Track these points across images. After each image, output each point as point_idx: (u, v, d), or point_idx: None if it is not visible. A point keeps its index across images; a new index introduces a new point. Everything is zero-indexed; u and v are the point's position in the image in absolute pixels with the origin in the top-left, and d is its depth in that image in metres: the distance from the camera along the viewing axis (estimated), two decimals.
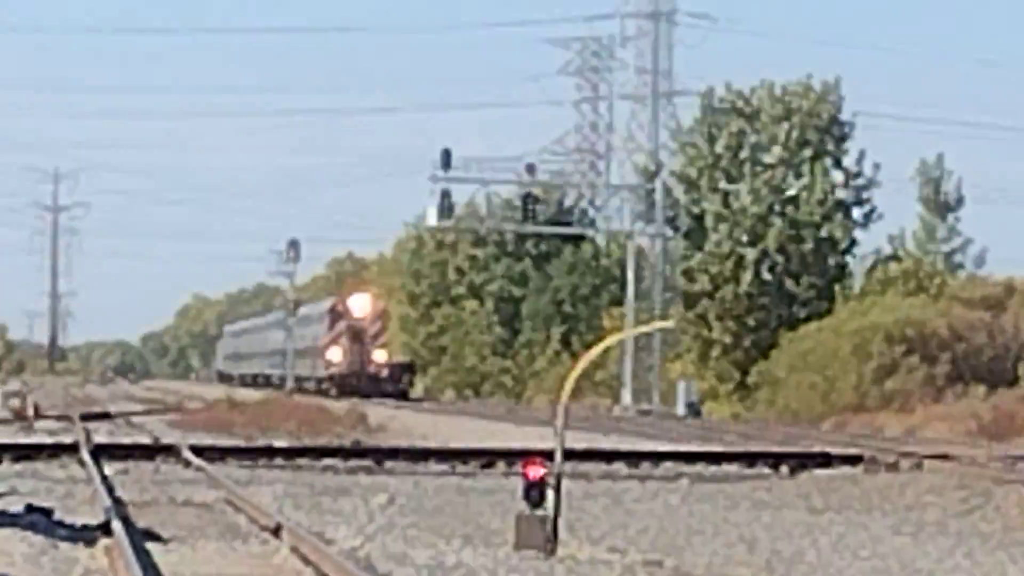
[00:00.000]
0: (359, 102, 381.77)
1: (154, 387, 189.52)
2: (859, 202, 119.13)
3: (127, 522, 32.62)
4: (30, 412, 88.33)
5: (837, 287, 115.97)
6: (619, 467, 59.19)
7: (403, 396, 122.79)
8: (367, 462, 59.41)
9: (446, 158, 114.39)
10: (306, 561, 27.57)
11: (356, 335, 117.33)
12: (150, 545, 29.59)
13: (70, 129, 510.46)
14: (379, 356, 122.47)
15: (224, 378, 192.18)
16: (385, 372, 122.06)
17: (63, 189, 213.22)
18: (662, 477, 58.43)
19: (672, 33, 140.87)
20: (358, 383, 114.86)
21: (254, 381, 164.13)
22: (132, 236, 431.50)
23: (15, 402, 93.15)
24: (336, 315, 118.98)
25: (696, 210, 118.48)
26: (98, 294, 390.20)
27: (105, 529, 30.69)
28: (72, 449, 57.04)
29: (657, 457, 62.35)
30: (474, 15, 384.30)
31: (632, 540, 35.13)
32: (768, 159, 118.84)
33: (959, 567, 31.58)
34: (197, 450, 58.27)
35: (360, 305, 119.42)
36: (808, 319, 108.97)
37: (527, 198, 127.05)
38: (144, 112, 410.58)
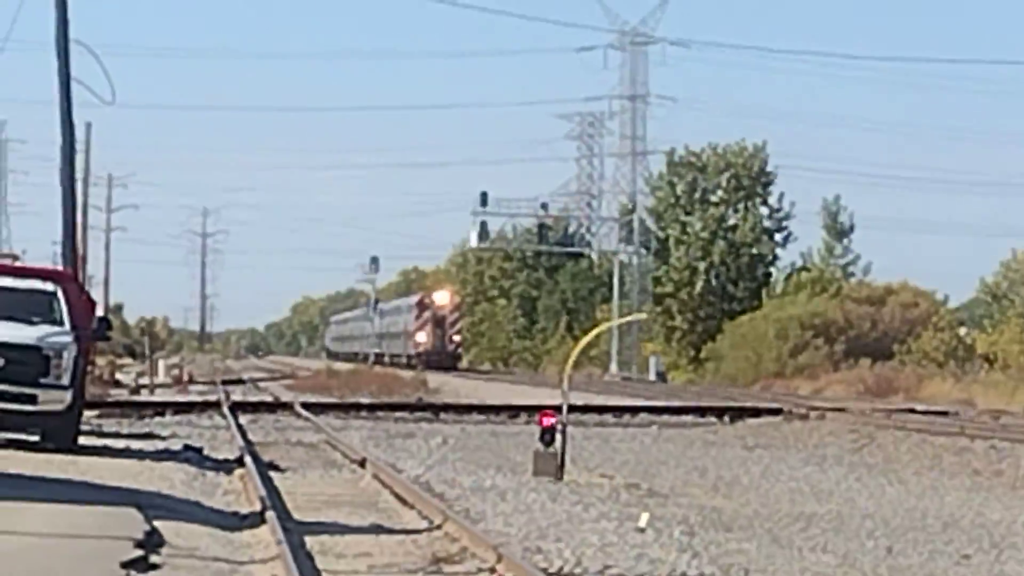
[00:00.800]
0: (423, 159, 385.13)
1: (275, 361, 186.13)
2: (779, 229, 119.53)
3: (255, 457, 35.34)
4: (186, 379, 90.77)
5: (764, 290, 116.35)
6: (607, 417, 59.95)
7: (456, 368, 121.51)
8: (427, 414, 60.32)
9: (484, 199, 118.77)
10: (383, 484, 30.53)
11: (439, 322, 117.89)
12: (272, 473, 32.44)
13: (214, 178, 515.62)
14: (456, 338, 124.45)
15: (332, 355, 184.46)
16: (460, 351, 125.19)
17: (210, 221, 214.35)
18: (638, 424, 59.47)
19: (645, 110, 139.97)
20: (440, 359, 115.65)
21: (355, 357, 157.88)
22: (259, 253, 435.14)
23: (175, 372, 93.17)
24: (423, 306, 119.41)
25: (662, 235, 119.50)
26: (235, 294, 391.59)
27: (240, 462, 33.59)
28: (216, 405, 57.87)
29: (635, 410, 63.54)
30: (506, 97, 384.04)
31: (617, 469, 37.34)
32: (713, 199, 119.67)
33: (851, 488, 34.08)
34: (305, 405, 59.66)
35: (442, 298, 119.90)
36: (743, 312, 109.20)
37: (542, 227, 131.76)
38: (268, 165, 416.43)
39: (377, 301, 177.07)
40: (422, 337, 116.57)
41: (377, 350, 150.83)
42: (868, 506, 30.19)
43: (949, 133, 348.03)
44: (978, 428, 48.49)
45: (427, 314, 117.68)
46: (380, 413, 60.26)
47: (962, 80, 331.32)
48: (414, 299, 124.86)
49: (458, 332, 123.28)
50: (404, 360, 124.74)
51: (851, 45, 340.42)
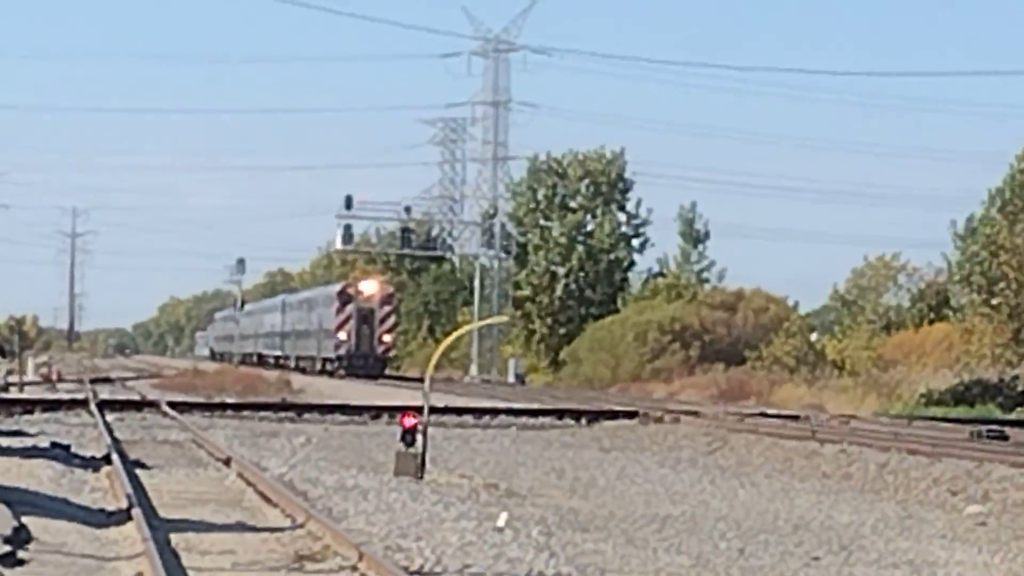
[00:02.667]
0: (288, 162, 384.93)
1: (141, 360, 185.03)
2: (636, 235, 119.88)
3: (122, 454, 35.08)
4: (54, 377, 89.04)
5: (621, 294, 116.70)
6: (467, 419, 60.05)
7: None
8: (291, 414, 60.31)
9: (348, 202, 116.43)
10: (248, 483, 30.38)
11: (365, 317, 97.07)
12: (138, 471, 32.09)
13: (84, 180, 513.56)
14: (387, 338, 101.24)
15: (216, 356, 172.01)
16: (390, 354, 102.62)
17: (80, 221, 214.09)
18: (498, 426, 59.48)
19: (507, 116, 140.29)
20: (365, 364, 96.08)
21: (247, 360, 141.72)
22: (128, 254, 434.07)
23: (44, 370, 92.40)
24: (346, 297, 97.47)
25: (523, 240, 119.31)
26: (103, 294, 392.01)
27: (107, 459, 33.43)
28: (83, 403, 57.54)
29: (494, 412, 63.54)
30: (371, 101, 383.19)
31: (477, 469, 37.52)
32: (573, 205, 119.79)
33: (705, 490, 34.34)
34: (171, 404, 59.34)
35: (369, 288, 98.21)
36: (601, 316, 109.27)
37: (405, 231, 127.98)
38: (137, 167, 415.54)
39: (244, 302, 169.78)
40: (343, 336, 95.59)
41: (278, 352, 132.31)
42: (721, 508, 30.45)
43: (804, 142, 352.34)
44: (828, 432, 48.53)
45: (350, 308, 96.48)
46: (245, 412, 60.05)
47: (817, 91, 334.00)
48: (334, 289, 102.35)
49: (389, 330, 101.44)
50: (318, 364, 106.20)
51: (710, 54, 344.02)
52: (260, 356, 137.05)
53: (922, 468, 38.20)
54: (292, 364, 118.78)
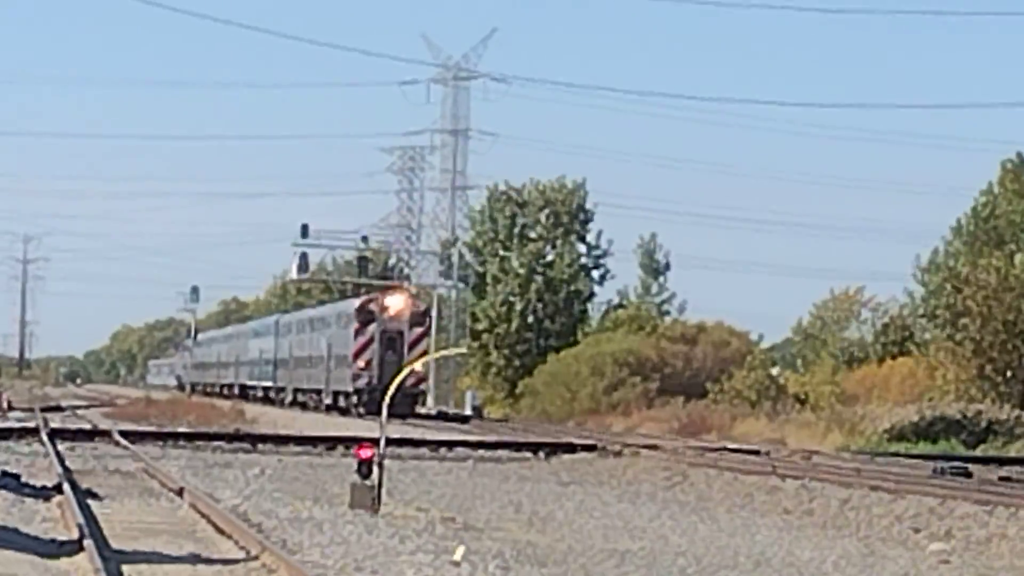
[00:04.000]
0: (244, 189, 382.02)
1: (93, 389, 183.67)
2: (597, 266, 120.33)
3: (73, 484, 34.70)
4: (4, 405, 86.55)
5: (580, 326, 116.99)
6: (424, 451, 59.77)
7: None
8: (245, 444, 59.75)
9: (304, 230, 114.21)
10: (201, 514, 30.04)
11: (391, 341, 77.19)
12: (90, 501, 31.92)
13: (37, 205, 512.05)
14: (418, 367, 74.27)
15: (184, 387, 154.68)
16: (423, 388, 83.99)
17: (31, 247, 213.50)
18: (455, 458, 59.03)
19: (466, 145, 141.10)
20: (393, 401, 74.31)
21: (221, 393, 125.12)
22: (79, 280, 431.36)
23: None
24: (367, 315, 77.15)
25: (481, 270, 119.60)
26: (54, 322, 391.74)
27: (58, 489, 33.05)
28: (34, 432, 57.06)
29: (451, 444, 63.21)
30: (329, 129, 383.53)
31: (433, 502, 37.49)
32: (532, 235, 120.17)
33: (664, 525, 34.08)
34: (124, 433, 58.82)
35: (397, 303, 78.09)
36: (560, 349, 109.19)
37: (361, 259, 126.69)
38: (88, 194, 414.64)
39: (198, 331, 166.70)
40: (363, 364, 75.70)
41: (268, 383, 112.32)
42: (681, 543, 30.22)
43: (767, 174, 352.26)
44: (789, 468, 48.72)
45: (372, 328, 76.84)
46: (198, 442, 59.81)
47: (779, 122, 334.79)
48: (351, 305, 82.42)
49: (422, 354, 76.77)
50: (327, 399, 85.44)
51: (671, 84, 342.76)
52: (243, 387, 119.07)
53: (884, 505, 38.24)
54: (289, 398, 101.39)
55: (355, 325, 78.08)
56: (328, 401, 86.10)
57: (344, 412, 79.65)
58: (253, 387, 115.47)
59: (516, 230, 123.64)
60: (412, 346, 78.29)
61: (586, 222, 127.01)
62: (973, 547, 30.60)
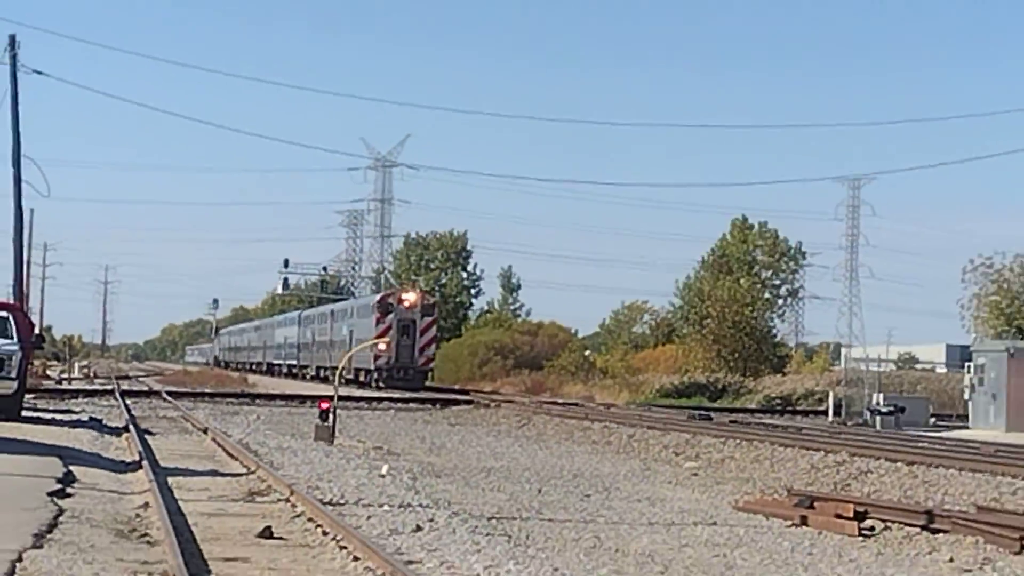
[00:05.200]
0: (247, 237, 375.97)
1: (150, 365, 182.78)
2: (474, 286, 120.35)
3: (135, 426, 34.83)
4: (91, 375, 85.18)
5: (463, 324, 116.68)
6: (363, 404, 58.84)
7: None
8: (247, 400, 59.09)
9: (286, 263, 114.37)
10: (219, 445, 30.28)
11: (405, 328, 67.17)
12: (147, 436, 31.97)
13: (114, 245, 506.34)
14: (429, 351, 69.88)
15: (222, 364, 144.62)
16: (431, 367, 72.41)
17: (110, 273, 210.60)
18: (383, 409, 58.46)
19: (391, 209, 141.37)
20: (404, 375, 67.49)
21: (251, 368, 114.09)
22: (141, 295, 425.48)
23: (85, 370, 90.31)
24: (385, 307, 67.40)
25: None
26: (125, 320, 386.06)
27: (126, 429, 33.17)
28: (111, 392, 56.63)
29: (380, 400, 61.67)
30: (304, 198, 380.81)
31: (368, 437, 36.91)
32: (432, 266, 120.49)
33: (516, 451, 34.28)
34: (168, 393, 58.51)
35: (411, 298, 68.46)
36: (450, 339, 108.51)
37: (323, 282, 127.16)
38: (149, 239, 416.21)
39: (219, 328, 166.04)
40: (383, 347, 64.75)
41: (293, 361, 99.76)
42: (526, 463, 30.53)
43: (580, 227, 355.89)
44: (596, 414, 48.96)
45: (391, 317, 67.24)
46: (217, 399, 59.30)
47: (597, 195, 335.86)
48: (374, 299, 72.77)
49: (431, 342, 70.25)
50: (351, 375, 71.76)
51: (522, 168, 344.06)
52: (270, 365, 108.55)
53: (656, 438, 38.26)
54: (312, 374, 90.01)
55: (376, 315, 67.73)
56: (350, 376, 72.17)
57: (363, 386, 68.63)
58: (279, 365, 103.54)
59: (422, 263, 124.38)
60: (423, 332, 68.07)
61: (467, 257, 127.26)
62: (713, 464, 31.30)
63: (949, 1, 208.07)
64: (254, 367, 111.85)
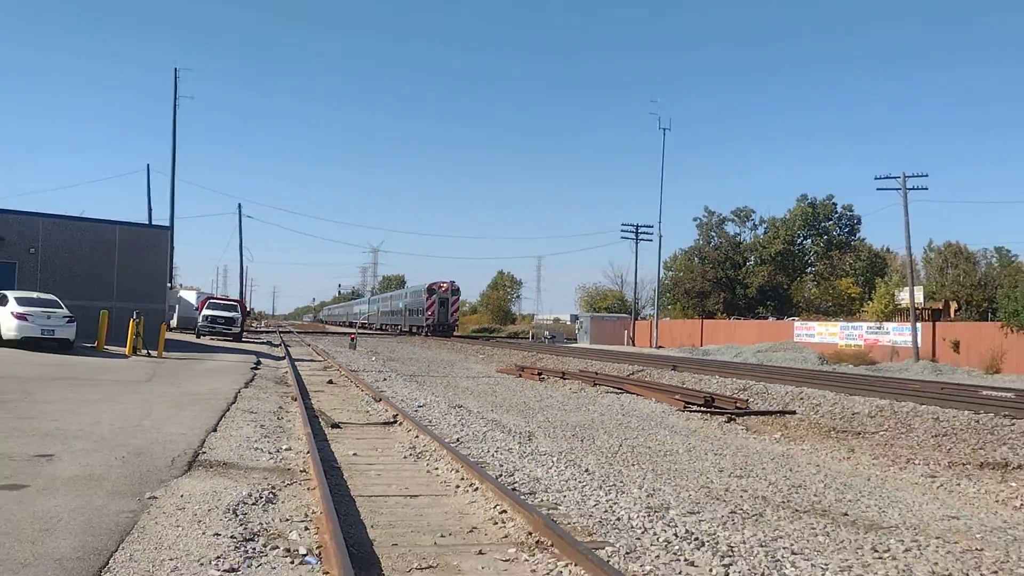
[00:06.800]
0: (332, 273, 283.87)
1: (291, 323, 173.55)
2: None
3: (284, 343, 40.74)
4: (267, 327, 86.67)
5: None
6: (375, 334, 64.75)
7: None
8: (324, 334, 65.46)
9: (338, 287, 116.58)
10: (315, 350, 33.99)
11: (443, 302, 64.01)
12: (288, 347, 36.67)
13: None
14: (455, 315, 65.47)
15: (323, 323, 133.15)
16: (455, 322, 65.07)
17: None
18: (384, 335, 61.37)
19: (377, 269, 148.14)
20: (443, 329, 63.08)
21: (350, 324, 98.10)
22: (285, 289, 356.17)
23: (266, 324, 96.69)
24: (431, 291, 64.05)
25: None
26: (281, 301, 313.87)
27: (280, 344, 37.78)
28: (274, 332, 62.07)
29: (383, 332, 68.28)
30: (343, 272, 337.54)
31: (371, 348, 40.87)
32: (398, 291, 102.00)
33: (426, 352, 38.42)
34: (298, 332, 64.18)
35: (443, 284, 63.90)
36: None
37: (353, 293, 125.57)
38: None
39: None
40: (430, 312, 63.42)
41: (365, 321, 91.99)
42: (427, 356, 33.49)
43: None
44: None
45: (434, 296, 64.17)
46: (316, 334, 64.68)
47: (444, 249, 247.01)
48: (424, 286, 66.36)
49: (456, 310, 65.71)
50: (407, 328, 70.37)
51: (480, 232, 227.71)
52: (351, 324, 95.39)
53: (470, 346, 41.60)
54: (377, 326, 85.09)
55: (425, 294, 63.89)
56: (405, 329, 70.13)
57: (414, 335, 64.74)
58: (356, 323, 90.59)
59: (393, 287, 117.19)
60: (452, 304, 64.36)
61: (400, 284, 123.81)
62: (490, 356, 33.40)
63: None
64: (343, 325, 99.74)
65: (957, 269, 59.44)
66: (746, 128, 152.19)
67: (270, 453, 9.31)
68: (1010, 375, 31.34)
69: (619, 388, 20.16)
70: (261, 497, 7.10)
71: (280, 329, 76.50)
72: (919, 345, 37.71)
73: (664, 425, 13.94)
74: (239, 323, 38.73)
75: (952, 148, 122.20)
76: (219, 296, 50.59)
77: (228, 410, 12.67)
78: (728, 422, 14.73)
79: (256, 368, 21.57)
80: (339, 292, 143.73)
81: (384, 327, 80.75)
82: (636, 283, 69.41)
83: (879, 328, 41.32)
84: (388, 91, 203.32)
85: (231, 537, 5.81)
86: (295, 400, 14.46)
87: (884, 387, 20.05)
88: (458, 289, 64.46)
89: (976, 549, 6.66)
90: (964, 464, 11.14)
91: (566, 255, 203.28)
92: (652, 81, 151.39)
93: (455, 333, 64.96)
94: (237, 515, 6.46)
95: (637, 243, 63.20)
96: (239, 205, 59.19)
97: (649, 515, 7.04)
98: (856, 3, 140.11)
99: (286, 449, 9.67)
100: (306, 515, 6.62)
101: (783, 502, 8.14)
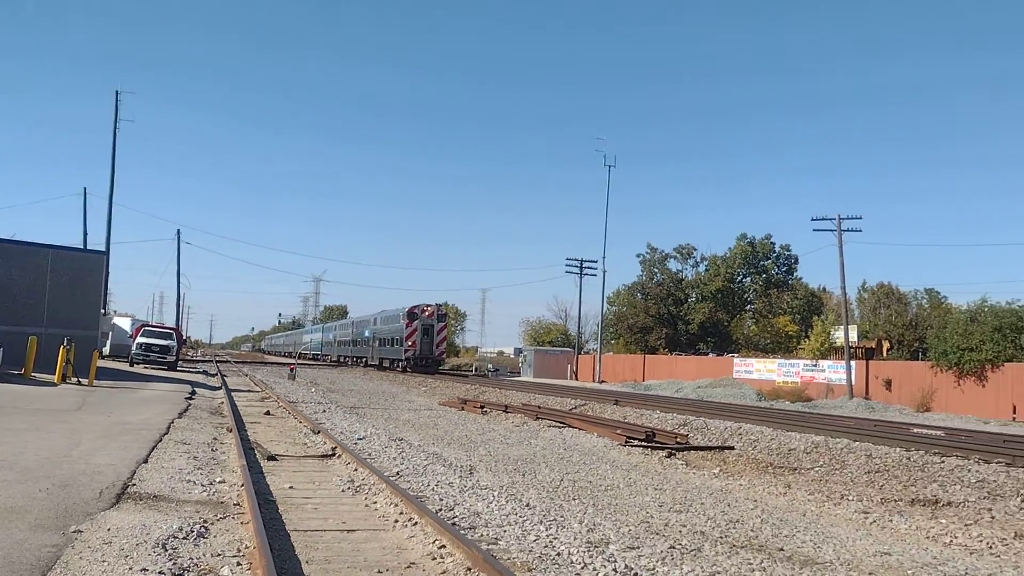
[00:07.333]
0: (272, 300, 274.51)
1: (229, 352, 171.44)
2: None
3: (221, 373, 39.60)
4: (204, 355, 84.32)
5: None
6: (314, 364, 60.53)
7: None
8: (263, 363, 61.62)
9: (280, 317, 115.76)
10: (252, 381, 32.99)
11: (427, 330, 53.29)
12: (225, 377, 35.76)
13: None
14: (442, 346, 54.25)
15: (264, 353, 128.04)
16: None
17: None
18: (321, 366, 60.11)
19: (319, 298, 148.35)
20: (427, 363, 52.50)
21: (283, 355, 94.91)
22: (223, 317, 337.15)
23: (202, 353, 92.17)
24: (413, 315, 53.21)
25: None
26: (224, 328, 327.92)
27: (217, 375, 36.73)
28: (212, 362, 59.90)
29: (321, 364, 63.09)
30: (287, 301, 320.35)
31: (310, 379, 39.88)
32: (338, 319, 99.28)
33: (367, 384, 37.60)
34: (236, 361, 62.80)
35: (427, 308, 53.36)
36: None
37: (293, 322, 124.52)
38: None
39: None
40: (411, 343, 52.27)
41: (317, 352, 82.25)
42: (368, 388, 32.99)
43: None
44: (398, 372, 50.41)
45: (416, 323, 52.97)
46: (254, 364, 61.63)
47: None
48: (404, 310, 54.65)
49: (443, 339, 54.93)
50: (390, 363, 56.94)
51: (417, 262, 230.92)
52: (300, 355, 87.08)
53: (414, 379, 40.45)
54: (335, 359, 73.51)
55: (405, 320, 53.00)
56: (374, 363, 60.03)
57: (386, 370, 55.23)
58: (307, 354, 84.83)
59: (335, 317, 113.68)
60: (439, 332, 53.93)
61: (345, 314, 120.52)
62: (433, 389, 32.56)
63: None
64: (287, 355, 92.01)
65: (889, 309, 61.25)
66: (689, 168, 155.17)
67: (203, 486, 9.19)
68: (940, 413, 32.20)
69: (562, 422, 20.18)
70: (192, 531, 6.98)
71: (217, 358, 75.34)
72: (853, 383, 38.48)
73: (605, 460, 13.94)
74: (175, 351, 37.79)
75: (886, 190, 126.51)
76: (154, 324, 49.55)
77: (160, 441, 12.45)
78: (668, 457, 14.85)
79: (191, 398, 21.24)
80: (279, 321, 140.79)
81: (343, 360, 69.86)
82: (580, 317, 69.42)
83: (815, 366, 42.04)
84: (330, 118, 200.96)
85: (159, 573, 5.66)
86: (230, 431, 14.27)
87: (819, 424, 20.39)
88: (445, 315, 55.06)
89: None
90: (896, 500, 11.31)
91: (511, 288, 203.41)
92: (598, 118, 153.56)
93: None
94: (166, 550, 6.32)
95: (581, 277, 63.34)
96: (178, 231, 58.21)
97: (589, 550, 7.02)
98: (792, 44, 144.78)
99: (220, 482, 9.56)
100: (239, 550, 6.50)
101: (721, 537, 8.20)
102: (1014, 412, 31.27)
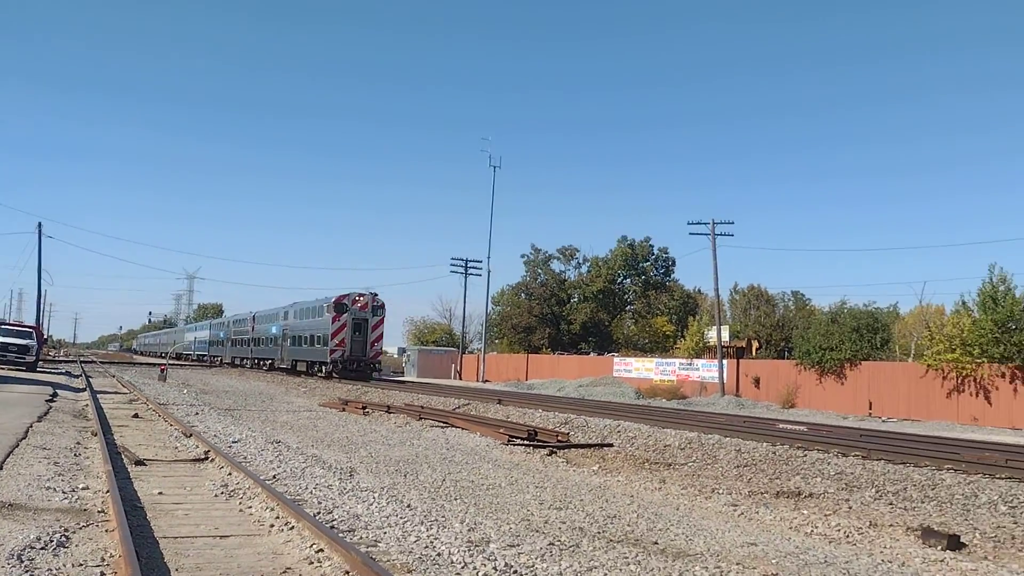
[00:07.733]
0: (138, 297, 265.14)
1: (94, 352, 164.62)
2: None
3: (86, 374, 38.64)
4: (68, 355, 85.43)
5: None
6: (185, 363, 59.30)
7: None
8: (131, 364, 59.48)
9: (150, 312, 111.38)
10: (119, 382, 31.79)
11: (358, 325, 42.96)
12: (90, 378, 34.65)
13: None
14: (377, 346, 43.54)
15: (133, 353, 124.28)
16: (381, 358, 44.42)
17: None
18: (194, 366, 59.71)
19: (192, 296, 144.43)
20: (359, 367, 42.50)
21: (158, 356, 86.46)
22: (88, 315, 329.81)
23: (65, 353, 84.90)
24: (341, 307, 42.70)
25: None
26: (84, 329, 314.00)
27: (81, 376, 35.99)
28: (76, 362, 58.27)
29: (190, 366, 60.76)
30: (160, 297, 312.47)
31: (182, 379, 38.87)
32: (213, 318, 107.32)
33: (241, 383, 36.64)
34: (102, 362, 60.73)
35: (358, 298, 42.97)
36: None
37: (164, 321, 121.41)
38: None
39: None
40: (337, 342, 42.23)
41: (203, 353, 72.18)
42: (243, 388, 32.63)
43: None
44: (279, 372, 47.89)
45: (346, 316, 42.29)
46: (122, 364, 61.76)
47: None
48: (331, 298, 43.97)
49: (379, 337, 43.92)
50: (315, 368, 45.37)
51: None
52: (179, 355, 79.96)
53: (295, 379, 40.36)
54: (227, 362, 64.12)
55: (331, 312, 42.86)
56: (284, 366, 50.70)
57: (299, 375, 46.24)
58: (190, 355, 76.43)
59: (210, 316, 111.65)
60: (374, 329, 43.81)
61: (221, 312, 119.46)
62: (313, 389, 31.82)
63: None
64: (162, 356, 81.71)
65: (759, 311, 64.09)
66: (572, 173, 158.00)
67: (64, 492, 8.83)
68: (803, 409, 33.67)
69: (445, 422, 20.20)
70: (52, 540, 6.69)
71: (82, 359, 72.62)
72: (725, 381, 39.59)
73: (488, 459, 14.02)
74: (34, 351, 36.47)
75: (755, 197, 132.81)
76: (12, 322, 47.89)
77: (17, 446, 11.88)
78: (550, 455, 15.00)
79: (52, 400, 20.58)
80: (150, 320, 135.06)
81: (240, 361, 59.29)
82: (464, 317, 69.41)
83: (690, 364, 43.07)
84: (207, 114, 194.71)
85: None
86: (95, 435, 13.76)
87: (693, 420, 20.95)
88: (382, 305, 44.00)
89: (772, 574, 6.98)
90: (762, 493, 11.72)
91: (395, 287, 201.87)
92: (484, 119, 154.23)
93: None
94: (22, 561, 6.05)
95: (466, 277, 63.53)
96: (39, 224, 54.94)
97: (470, 549, 7.06)
98: (675, 60, 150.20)
99: (83, 488, 9.21)
100: (103, 559, 6.27)
101: (599, 532, 8.35)
102: (870, 407, 32.92)
